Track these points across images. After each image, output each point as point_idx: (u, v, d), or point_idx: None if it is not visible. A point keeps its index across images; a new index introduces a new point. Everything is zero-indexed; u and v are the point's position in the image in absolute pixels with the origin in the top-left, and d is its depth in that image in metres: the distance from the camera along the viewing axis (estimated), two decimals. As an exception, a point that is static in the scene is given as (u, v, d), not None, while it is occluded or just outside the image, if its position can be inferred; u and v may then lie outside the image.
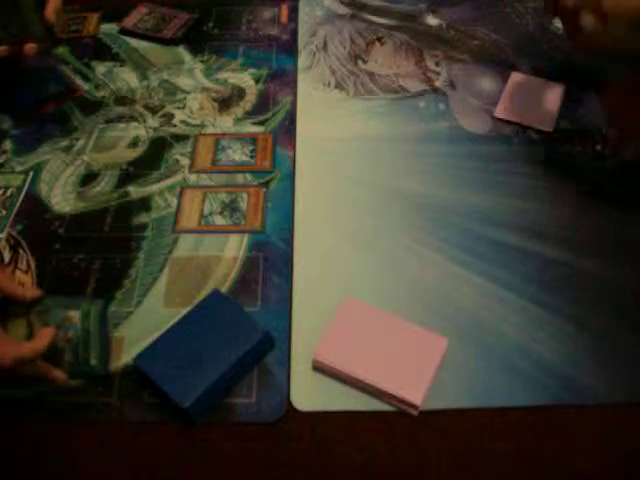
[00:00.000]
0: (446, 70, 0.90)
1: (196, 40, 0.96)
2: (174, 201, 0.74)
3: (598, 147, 0.78)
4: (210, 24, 0.98)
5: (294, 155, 0.79)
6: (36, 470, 0.54)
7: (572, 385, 0.58)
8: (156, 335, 0.59)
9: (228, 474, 0.54)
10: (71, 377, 0.58)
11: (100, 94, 0.88)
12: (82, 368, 0.58)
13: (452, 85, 0.87)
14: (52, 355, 0.58)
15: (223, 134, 0.81)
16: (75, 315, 0.61)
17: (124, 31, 0.97)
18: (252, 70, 0.90)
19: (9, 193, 0.75)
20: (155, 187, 0.75)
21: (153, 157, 0.79)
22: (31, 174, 0.77)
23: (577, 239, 0.69)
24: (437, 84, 0.88)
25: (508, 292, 0.64)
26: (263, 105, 0.85)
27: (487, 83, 0.88)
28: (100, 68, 0.92)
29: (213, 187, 0.75)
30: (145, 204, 0.74)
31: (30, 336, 0.59)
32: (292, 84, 0.88)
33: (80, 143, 0.81)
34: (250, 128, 0.82)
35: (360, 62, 0.92)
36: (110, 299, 0.64)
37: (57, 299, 0.61)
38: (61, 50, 0.94)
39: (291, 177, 0.76)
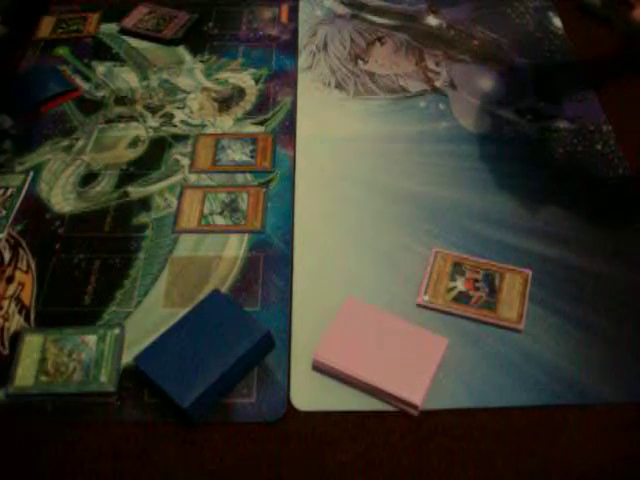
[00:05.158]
0: (446, 70, 0.90)
1: (196, 40, 0.95)
2: (174, 201, 0.74)
3: (598, 146, 0.79)
4: (210, 24, 0.98)
5: (294, 155, 0.79)
6: (36, 470, 0.54)
7: (572, 385, 0.58)
8: (156, 335, 0.59)
9: (228, 474, 0.54)
10: (80, 394, 0.58)
11: (100, 94, 0.88)
12: (91, 385, 0.58)
13: (452, 85, 0.87)
14: (61, 374, 0.58)
15: (223, 134, 0.81)
16: (91, 339, 0.61)
17: (124, 31, 0.97)
18: (252, 70, 0.90)
19: (9, 193, 0.75)
20: (155, 187, 0.75)
21: (153, 157, 0.79)
22: (31, 174, 0.77)
23: (578, 239, 0.69)
24: (437, 84, 0.88)
25: (508, 292, 0.65)
26: (263, 105, 0.85)
27: (487, 83, 0.88)
28: (100, 68, 0.92)
29: (213, 187, 0.75)
30: (145, 204, 0.74)
31: (43, 361, 0.59)
32: (292, 84, 0.88)
33: (80, 143, 0.81)
34: (250, 128, 0.82)
35: (360, 62, 0.92)
36: (111, 300, 0.65)
37: (76, 328, 0.62)
38: (61, 50, 0.94)
39: (291, 177, 0.76)
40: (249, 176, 0.76)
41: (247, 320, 0.60)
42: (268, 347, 0.60)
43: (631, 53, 0.85)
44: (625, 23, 0.65)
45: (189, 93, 0.87)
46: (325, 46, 0.94)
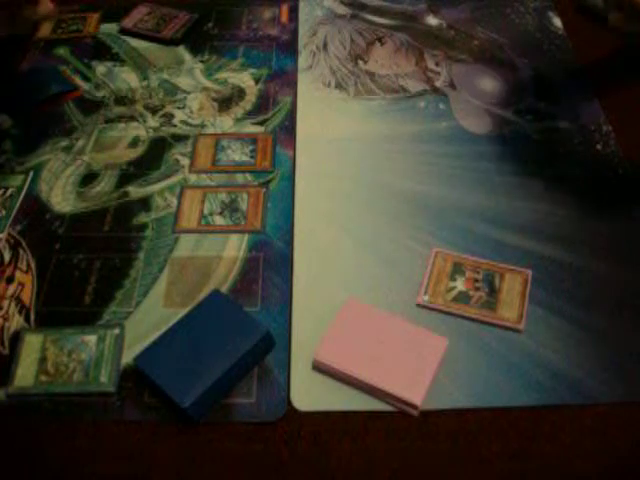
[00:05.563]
0: (446, 70, 0.90)
1: (196, 40, 0.96)
2: (174, 201, 0.74)
3: (598, 146, 0.79)
4: (210, 24, 0.98)
5: (294, 155, 0.79)
6: (36, 470, 0.54)
7: (572, 385, 0.58)
8: (156, 335, 0.59)
9: (228, 474, 0.54)
10: (79, 395, 0.58)
11: (100, 94, 0.88)
12: (91, 386, 0.58)
13: (452, 85, 0.88)
14: (61, 374, 0.58)
15: (223, 134, 0.81)
16: (91, 339, 0.61)
17: (124, 31, 0.97)
18: (252, 70, 0.90)
19: (9, 193, 0.75)
20: (155, 187, 0.75)
21: (153, 157, 0.79)
22: (31, 174, 0.77)
23: (578, 238, 0.69)
24: (437, 84, 0.88)
25: (508, 292, 0.65)
26: (263, 105, 0.85)
27: (487, 83, 0.88)
28: (100, 68, 0.92)
29: (213, 187, 0.75)
30: (145, 204, 0.74)
31: (43, 361, 0.59)
32: (292, 84, 0.88)
33: (80, 143, 0.81)
34: (250, 128, 0.82)
35: (360, 62, 0.92)
36: (111, 300, 0.65)
37: (76, 328, 0.62)
38: (61, 50, 0.94)
39: (291, 177, 0.76)
40: (249, 176, 0.76)
41: (247, 320, 0.60)
42: (268, 347, 0.60)
43: (628, 43, 0.84)
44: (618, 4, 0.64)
45: (189, 93, 0.87)
46: (325, 46, 0.94)
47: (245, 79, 0.89)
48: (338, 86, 0.88)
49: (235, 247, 0.69)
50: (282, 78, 0.89)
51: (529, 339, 0.61)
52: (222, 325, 0.59)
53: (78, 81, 0.89)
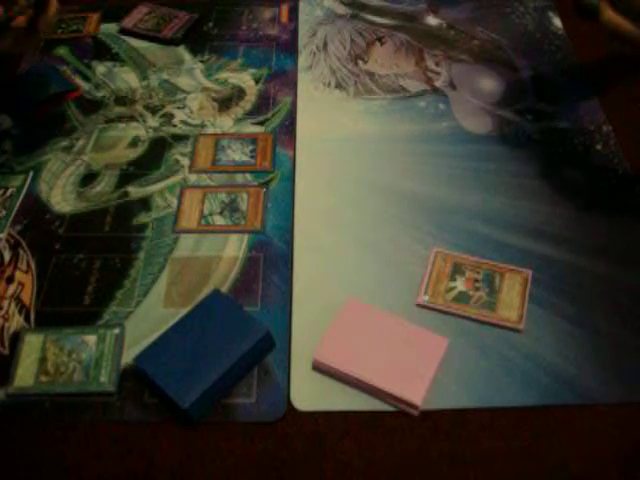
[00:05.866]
0: (446, 70, 0.90)
1: (196, 40, 0.96)
2: (174, 201, 0.74)
3: (598, 146, 0.79)
4: (210, 24, 0.98)
5: (294, 155, 0.79)
6: (36, 470, 0.54)
7: (572, 385, 0.58)
8: (156, 335, 0.59)
9: (228, 474, 0.54)
10: (79, 395, 0.58)
11: (100, 94, 0.88)
12: (91, 385, 0.58)
13: (452, 85, 0.87)
14: (61, 374, 0.58)
15: (223, 134, 0.81)
16: (91, 339, 0.61)
17: (124, 31, 0.97)
18: (252, 70, 0.90)
19: (9, 193, 0.75)
20: (155, 187, 0.75)
21: (153, 157, 0.79)
22: (31, 174, 0.77)
23: (578, 239, 0.69)
24: (437, 84, 0.88)
25: (508, 292, 0.65)
26: (263, 105, 0.85)
27: (487, 83, 0.88)
28: (100, 68, 0.92)
29: (213, 187, 0.75)
30: (145, 204, 0.74)
31: (43, 361, 0.59)
32: (292, 84, 0.88)
33: (80, 143, 0.81)
34: (250, 128, 0.82)
35: (360, 62, 0.92)
36: (111, 300, 0.65)
37: (76, 328, 0.62)
38: (61, 50, 0.94)
39: (291, 177, 0.76)
40: (249, 176, 0.76)
41: (247, 320, 0.60)
42: (268, 347, 0.60)
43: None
44: None
45: (189, 93, 0.87)
46: (325, 46, 0.94)
47: (245, 79, 0.89)
48: (338, 86, 0.88)
49: (235, 247, 0.69)
50: (282, 78, 0.89)
51: (529, 339, 0.61)
52: (222, 325, 0.59)
53: (78, 81, 0.89)
